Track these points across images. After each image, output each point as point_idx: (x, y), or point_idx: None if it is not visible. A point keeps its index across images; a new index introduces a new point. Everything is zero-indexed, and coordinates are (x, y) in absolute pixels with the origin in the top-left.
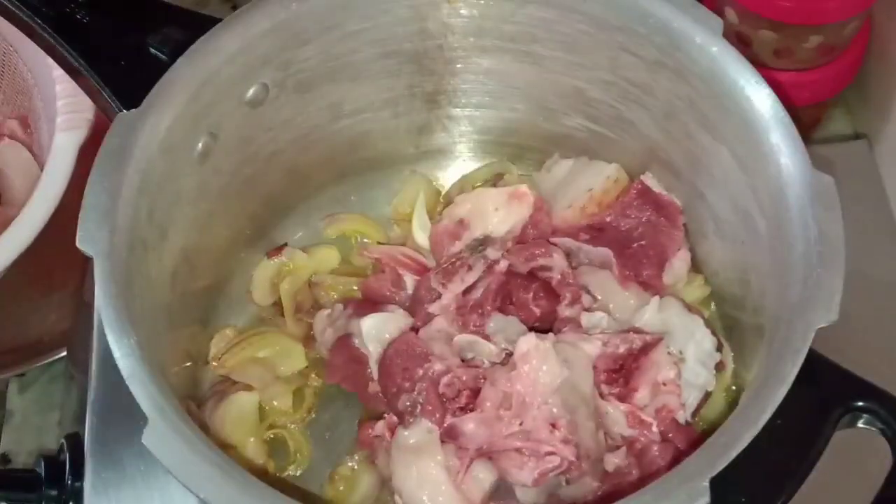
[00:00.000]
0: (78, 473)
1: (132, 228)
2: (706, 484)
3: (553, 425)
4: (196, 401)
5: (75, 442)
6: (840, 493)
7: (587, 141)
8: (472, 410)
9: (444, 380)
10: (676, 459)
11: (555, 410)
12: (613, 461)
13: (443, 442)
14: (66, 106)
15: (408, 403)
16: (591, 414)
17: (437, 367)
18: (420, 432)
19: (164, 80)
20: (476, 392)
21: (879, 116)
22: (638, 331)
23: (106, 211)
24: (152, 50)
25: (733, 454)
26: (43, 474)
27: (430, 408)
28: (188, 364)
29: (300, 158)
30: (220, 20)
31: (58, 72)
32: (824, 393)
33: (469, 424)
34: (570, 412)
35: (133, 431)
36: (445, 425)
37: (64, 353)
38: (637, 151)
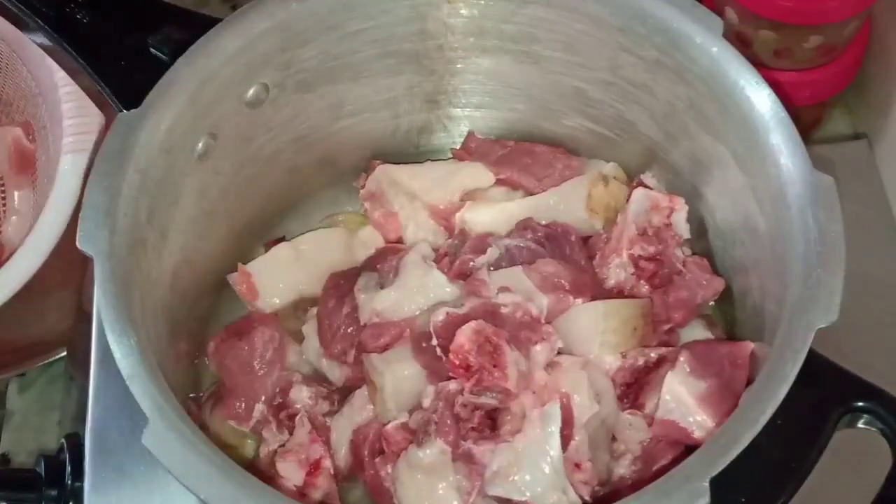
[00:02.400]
0: (78, 473)
1: (132, 228)
2: (706, 484)
3: (577, 465)
4: (196, 401)
5: (75, 442)
6: (840, 493)
7: (587, 141)
8: (481, 430)
9: (460, 399)
10: (678, 459)
11: (580, 451)
12: (618, 472)
13: (453, 461)
14: (73, 127)
15: (422, 421)
16: (609, 445)
17: (453, 386)
18: (433, 453)
19: (164, 81)
20: (489, 413)
21: (879, 116)
22: (665, 344)
23: (106, 211)
24: (152, 50)
25: (733, 454)
26: (43, 474)
27: (446, 429)
28: (188, 364)
29: (300, 158)
30: (220, 20)
31: (64, 88)
32: (824, 393)
33: (487, 452)
34: (593, 449)
35: (133, 431)
36: (462, 450)
37: (64, 353)
38: (637, 151)
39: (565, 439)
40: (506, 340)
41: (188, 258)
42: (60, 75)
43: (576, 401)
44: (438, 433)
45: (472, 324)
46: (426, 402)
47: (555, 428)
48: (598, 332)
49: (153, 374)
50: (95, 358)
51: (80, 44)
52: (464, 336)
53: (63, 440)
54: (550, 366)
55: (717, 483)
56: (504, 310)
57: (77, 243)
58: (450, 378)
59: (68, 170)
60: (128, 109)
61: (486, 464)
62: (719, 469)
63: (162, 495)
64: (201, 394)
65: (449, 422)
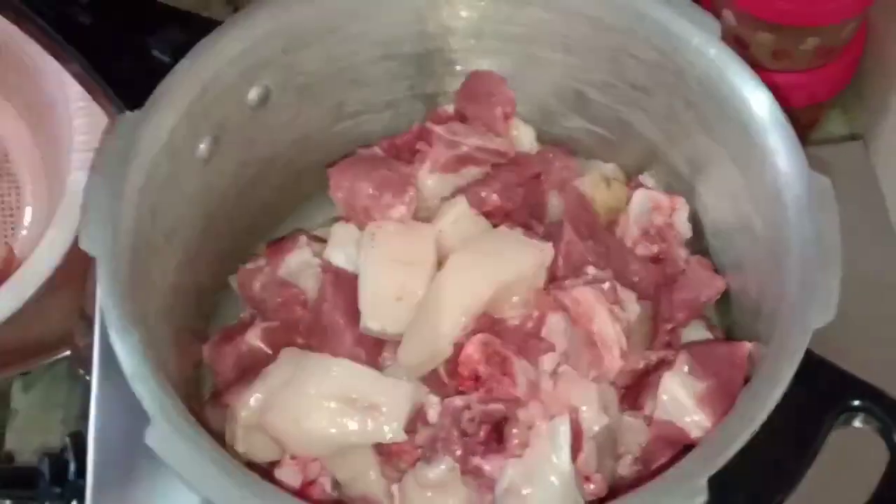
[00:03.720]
0: (81, 472)
1: (135, 229)
2: (704, 483)
3: (587, 478)
4: (198, 399)
5: (78, 440)
6: (837, 491)
7: (586, 142)
8: (488, 444)
9: (466, 415)
10: (676, 459)
11: (589, 463)
12: (618, 472)
13: (462, 475)
14: (83, 144)
15: (429, 438)
16: (614, 450)
17: (458, 402)
18: (442, 469)
19: (165, 82)
20: (495, 425)
21: (875, 118)
22: (667, 344)
23: (108, 211)
24: (154, 52)
25: (731, 453)
26: (46, 472)
27: (453, 444)
28: (190, 363)
29: (302, 160)
30: (221, 22)
31: (77, 103)
32: (821, 392)
33: (496, 467)
34: (600, 457)
35: (136, 430)
36: (470, 465)
37: (67, 352)
38: (636, 152)
39: (575, 453)
40: (513, 352)
41: (190, 258)
42: (75, 90)
43: (584, 414)
44: (446, 449)
45: (480, 336)
46: (432, 418)
47: (564, 442)
48: None
49: (155, 372)
50: (98, 357)
51: (82, 45)
52: (472, 347)
53: (66, 438)
54: (556, 375)
55: (714, 482)
56: (511, 322)
57: (80, 244)
58: (446, 385)
59: (76, 188)
60: (129, 111)
61: (495, 478)
62: (717, 468)
63: (164, 493)
64: (203, 392)
65: (456, 437)
